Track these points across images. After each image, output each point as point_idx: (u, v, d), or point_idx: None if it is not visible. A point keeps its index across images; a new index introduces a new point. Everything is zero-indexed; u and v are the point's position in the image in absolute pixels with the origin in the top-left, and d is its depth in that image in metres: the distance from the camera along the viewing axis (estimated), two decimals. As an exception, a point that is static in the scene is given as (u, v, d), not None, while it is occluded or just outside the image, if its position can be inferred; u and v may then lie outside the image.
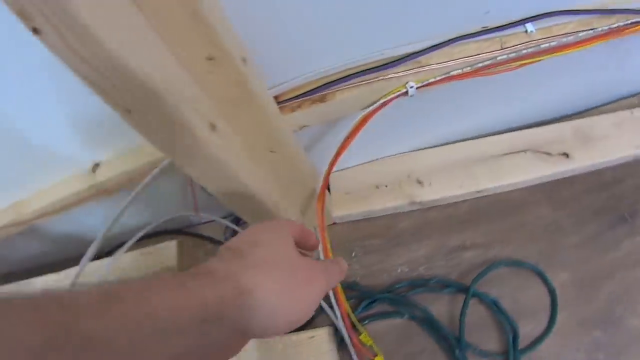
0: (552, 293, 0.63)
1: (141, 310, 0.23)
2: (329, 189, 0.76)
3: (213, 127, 0.40)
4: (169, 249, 0.64)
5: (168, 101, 0.31)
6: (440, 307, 0.67)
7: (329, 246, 0.62)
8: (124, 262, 0.65)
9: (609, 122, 0.70)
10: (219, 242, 0.80)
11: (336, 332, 0.65)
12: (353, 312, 0.67)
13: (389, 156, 0.77)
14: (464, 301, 0.65)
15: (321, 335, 0.62)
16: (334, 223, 0.77)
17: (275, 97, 0.54)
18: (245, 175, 0.46)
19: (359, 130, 0.57)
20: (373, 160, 0.77)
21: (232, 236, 0.76)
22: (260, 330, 0.29)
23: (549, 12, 0.53)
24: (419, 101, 0.64)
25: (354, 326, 0.64)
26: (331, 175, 0.76)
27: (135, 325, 0.22)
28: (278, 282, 0.30)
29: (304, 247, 0.41)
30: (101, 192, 0.62)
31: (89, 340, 0.20)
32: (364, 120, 0.56)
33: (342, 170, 0.77)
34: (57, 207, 0.64)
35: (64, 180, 0.64)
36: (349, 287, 0.70)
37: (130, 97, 0.30)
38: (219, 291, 0.27)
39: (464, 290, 0.66)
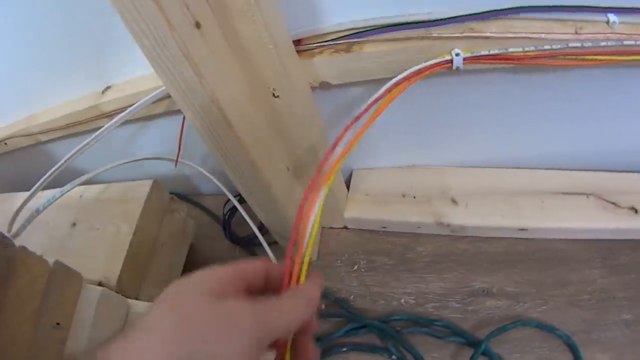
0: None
1: None
2: (348, 186, 0.67)
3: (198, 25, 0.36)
4: (142, 187, 0.58)
5: None
6: (440, 357, 0.54)
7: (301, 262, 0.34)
8: (92, 192, 0.61)
9: None
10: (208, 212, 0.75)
11: None
12: (334, 333, 0.56)
13: (425, 165, 0.67)
14: (471, 357, 0.51)
15: None
16: (345, 227, 0.68)
17: (297, 42, 0.49)
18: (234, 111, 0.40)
19: (385, 104, 0.46)
20: (406, 166, 0.68)
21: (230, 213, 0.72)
22: None
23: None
24: (469, 103, 0.57)
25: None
26: (353, 171, 0.69)
27: None
28: (174, 338, 0.23)
29: (266, 285, 0.31)
30: (101, 115, 0.60)
31: None
32: (393, 90, 0.47)
33: (367, 168, 0.69)
34: (61, 123, 0.63)
35: (77, 99, 0.63)
36: (338, 303, 0.59)
37: None
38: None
39: (475, 344, 0.53)
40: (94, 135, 0.53)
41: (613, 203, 0.56)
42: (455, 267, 0.60)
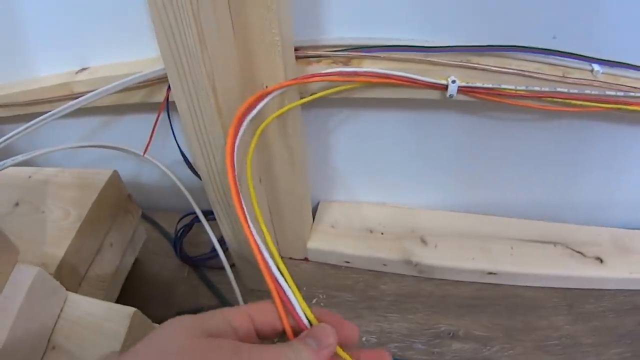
0: None
1: None
2: (313, 216, 0.65)
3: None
4: (101, 174, 0.53)
5: None
6: None
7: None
8: (43, 174, 0.56)
9: None
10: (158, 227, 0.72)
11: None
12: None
13: (396, 204, 0.67)
14: None
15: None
16: (306, 258, 0.65)
17: (295, 49, 0.48)
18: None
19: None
20: (376, 203, 0.67)
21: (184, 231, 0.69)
22: None
23: (621, 62, 0.49)
24: (446, 146, 0.59)
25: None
26: (320, 202, 0.67)
27: None
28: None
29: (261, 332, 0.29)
30: (71, 96, 0.55)
31: None
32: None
33: (335, 201, 0.68)
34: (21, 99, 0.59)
35: (53, 75, 0.59)
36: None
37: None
38: None
39: None
40: (57, 110, 0.49)
41: (580, 252, 0.59)
42: (421, 308, 0.58)
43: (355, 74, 0.46)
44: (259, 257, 0.28)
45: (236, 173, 0.33)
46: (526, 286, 0.59)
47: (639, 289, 0.60)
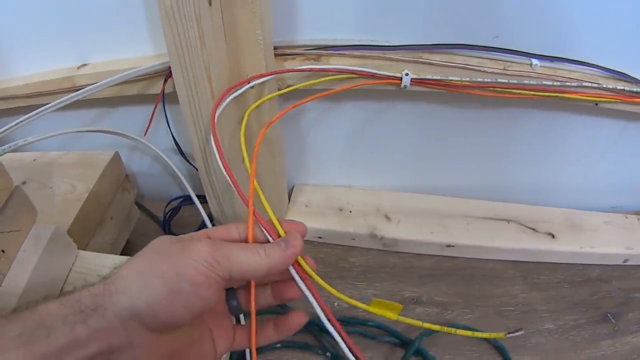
0: (512, 377, 0.57)
1: None
2: (289, 198, 0.75)
3: (210, 2, 0.46)
4: (103, 155, 0.63)
5: None
6: (373, 356, 0.60)
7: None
8: (47, 157, 0.64)
9: (601, 220, 0.71)
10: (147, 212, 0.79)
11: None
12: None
13: (361, 186, 0.78)
14: (404, 356, 0.58)
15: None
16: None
17: (275, 47, 0.59)
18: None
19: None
20: (344, 186, 0.78)
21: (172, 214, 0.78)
22: (143, 311, 0.29)
23: (558, 57, 0.58)
24: (405, 132, 0.69)
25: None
26: (295, 186, 0.78)
27: None
28: (143, 261, 0.32)
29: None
30: (72, 88, 0.63)
31: None
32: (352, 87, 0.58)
33: (308, 184, 0.78)
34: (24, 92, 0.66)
35: (55, 70, 0.66)
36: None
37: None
38: (91, 289, 0.30)
39: (407, 343, 0.58)
40: (58, 100, 0.57)
41: (532, 229, 0.69)
42: (387, 277, 0.68)
43: (323, 70, 0.56)
44: (236, 188, 0.38)
45: (220, 142, 0.43)
46: (483, 259, 0.69)
47: (590, 263, 0.70)
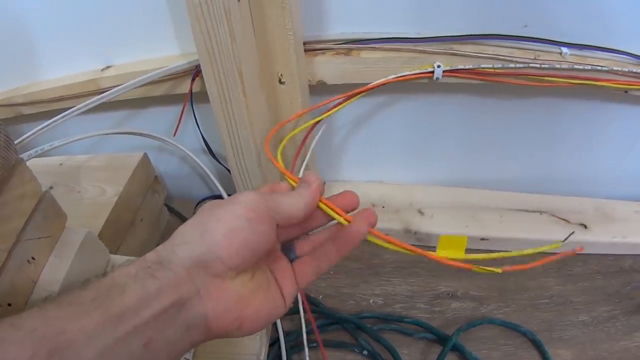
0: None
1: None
2: None
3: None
4: (132, 157, 0.62)
5: None
6: (410, 353, 0.59)
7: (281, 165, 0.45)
8: (74, 161, 0.63)
9: (632, 209, 0.70)
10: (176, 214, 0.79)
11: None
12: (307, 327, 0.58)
13: (394, 182, 0.76)
14: (441, 352, 0.57)
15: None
16: (314, 233, 0.71)
17: (304, 43, 0.58)
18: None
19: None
20: (376, 181, 0.77)
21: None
22: (205, 255, 0.30)
23: (587, 45, 0.56)
24: (439, 126, 0.68)
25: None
26: (326, 183, 0.74)
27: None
28: (197, 216, 0.33)
29: None
30: (97, 90, 0.62)
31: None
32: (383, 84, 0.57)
33: (338, 181, 0.77)
34: (51, 95, 0.65)
35: (79, 73, 0.65)
36: (308, 301, 0.61)
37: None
38: (155, 249, 0.32)
39: (444, 340, 0.58)
40: (83, 103, 0.56)
41: (564, 220, 0.68)
42: (421, 272, 0.67)
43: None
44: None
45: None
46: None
47: (622, 253, 0.68)
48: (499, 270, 0.32)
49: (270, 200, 0.33)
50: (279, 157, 0.44)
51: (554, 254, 0.32)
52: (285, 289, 0.34)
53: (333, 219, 0.35)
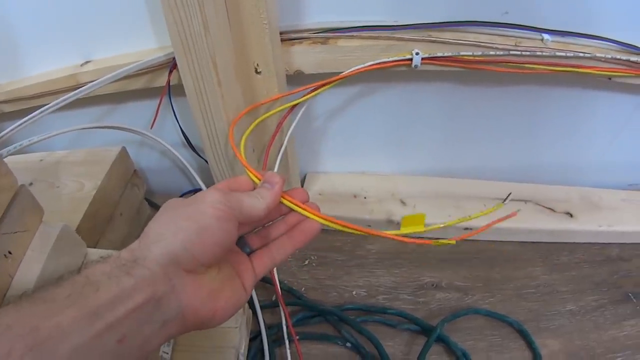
0: None
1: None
2: (302, 186, 0.72)
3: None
4: (110, 151, 0.61)
5: None
6: (394, 344, 0.58)
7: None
8: (54, 157, 0.62)
9: (618, 198, 0.70)
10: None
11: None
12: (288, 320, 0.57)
13: (375, 172, 0.76)
14: (426, 343, 0.56)
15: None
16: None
17: (281, 32, 0.57)
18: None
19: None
20: (358, 172, 0.76)
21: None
22: (180, 252, 0.31)
23: (569, 31, 0.56)
24: (419, 115, 0.68)
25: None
26: (307, 174, 0.77)
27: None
28: (166, 214, 0.34)
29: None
30: (76, 86, 0.61)
31: None
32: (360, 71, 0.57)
33: (320, 172, 0.77)
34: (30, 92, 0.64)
35: (58, 69, 0.64)
36: (291, 293, 0.61)
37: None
38: (128, 248, 0.32)
39: (428, 331, 0.57)
40: (61, 98, 0.55)
41: (549, 208, 0.68)
42: (405, 263, 0.67)
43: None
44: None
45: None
46: (501, 241, 0.68)
47: (609, 242, 0.68)
48: (453, 241, 0.34)
49: (233, 200, 0.34)
50: (242, 144, 0.43)
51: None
52: (246, 280, 0.36)
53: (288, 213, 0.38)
